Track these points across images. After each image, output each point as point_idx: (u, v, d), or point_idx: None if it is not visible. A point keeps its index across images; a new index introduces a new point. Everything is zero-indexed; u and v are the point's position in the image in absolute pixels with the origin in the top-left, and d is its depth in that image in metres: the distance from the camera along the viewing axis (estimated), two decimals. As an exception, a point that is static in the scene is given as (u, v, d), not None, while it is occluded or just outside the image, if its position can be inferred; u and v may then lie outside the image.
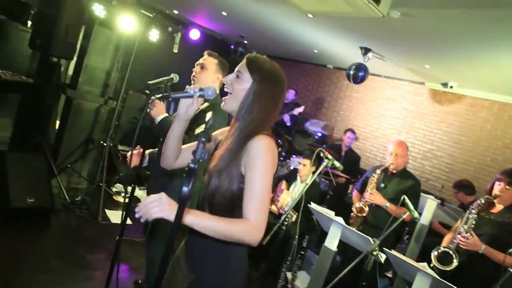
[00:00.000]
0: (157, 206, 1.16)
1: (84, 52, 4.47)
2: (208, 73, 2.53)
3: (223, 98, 1.48)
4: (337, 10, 3.25)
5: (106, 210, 4.17)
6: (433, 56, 4.73)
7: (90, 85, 4.58)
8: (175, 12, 7.73)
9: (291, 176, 4.41)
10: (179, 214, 1.03)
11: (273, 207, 4.15)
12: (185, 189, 0.99)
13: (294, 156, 5.66)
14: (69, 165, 4.43)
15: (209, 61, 2.56)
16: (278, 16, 5.39)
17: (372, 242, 2.54)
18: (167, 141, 1.55)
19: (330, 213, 2.93)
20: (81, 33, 4.29)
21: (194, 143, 1.61)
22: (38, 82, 4.48)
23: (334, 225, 2.91)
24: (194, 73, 2.56)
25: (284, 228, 3.07)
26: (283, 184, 4.39)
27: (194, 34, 7.91)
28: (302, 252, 3.48)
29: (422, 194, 4.29)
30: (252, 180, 1.31)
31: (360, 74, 5.30)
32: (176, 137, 1.53)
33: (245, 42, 7.86)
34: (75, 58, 4.38)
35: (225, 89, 1.48)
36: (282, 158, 6.06)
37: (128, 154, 2.39)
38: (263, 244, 3.31)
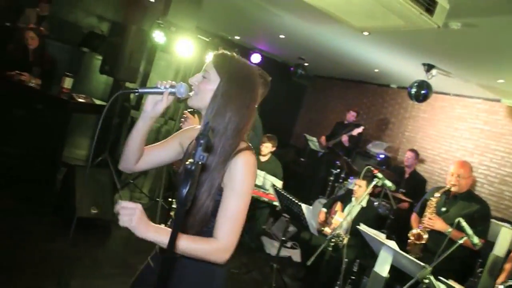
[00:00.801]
0: (127, 215, 1.14)
1: (146, 76, 4.81)
2: None
3: (191, 96, 1.37)
4: (388, 24, 3.14)
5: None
6: (507, 69, 4.32)
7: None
8: (237, 37, 8.05)
9: (346, 198, 4.24)
10: (178, 223, 1.03)
11: (327, 229, 4.00)
12: (183, 191, 0.99)
13: (352, 177, 5.45)
14: (131, 181, 4.71)
15: None
16: (334, 36, 5.35)
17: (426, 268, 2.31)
18: (128, 141, 1.43)
19: (381, 236, 2.74)
20: (144, 58, 4.63)
21: (157, 144, 1.53)
22: (110, 104, 4.91)
23: (384, 249, 2.71)
24: None
25: (330, 249, 2.93)
26: (338, 205, 4.22)
27: (255, 58, 8.17)
28: (353, 277, 3.28)
29: (497, 222, 3.84)
30: (228, 200, 1.26)
31: (422, 92, 5.01)
32: (139, 136, 1.42)
33: (305, 64, 7.89)
34: (138, 81, 4.74)
35: (192, 90, 1.37)
36: (340, 180, 5.87)
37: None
38: (313, 267, 3.19)
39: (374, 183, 2.78)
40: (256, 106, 1.38)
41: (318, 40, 5.86)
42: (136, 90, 1.38)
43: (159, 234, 1.20)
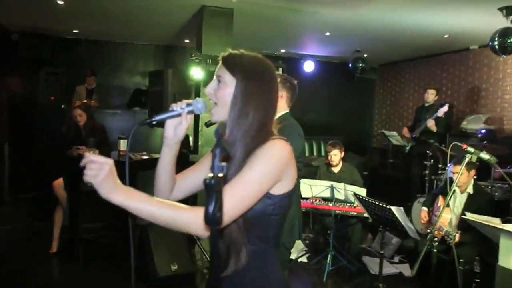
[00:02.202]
0: (94, 170, 1.14)
1: (197, 116, 5.04)
2: None
3: (211, 108, 1.40)
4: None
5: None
6: None
7: (209, 146, 5.09)
8: (282, 51, 8.16)
9: (447, 189, 3.93)
10: (214, 243, 1.03)
11: (435, 233, 3.72)
12: (209, 209, 1.00)
13: (450, 164, 5.06)
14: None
15: None
16: (384, 14, 5.19)
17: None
18: (157, 172, 1.46)
19: (494, 221, 2.48)
20: (189, 99, 4.90)
21: (189, 169, 1.55)
22: (132, 140, 5.22)
23: (504, 236, 2.44)
24: None
25: (435, 250, 2.70)
26: (440, 200, 3.93)
27: (308, 66, 8.18)
28: (477, 280, 2.97)
29: None
30: (243, 176, 1.23)
31: (509, 41, 4.58)
32: (167, 165, 1.45)
33: (364, 56, 7.71)
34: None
35: (210, 100, 1.40)
36: (439, 172, 5.50)
37: None
38: (428, 279, 2.96)
39: (466, 159, 2.55)
40: (276, 97, 1.40)
41: (368, 25, 5.72)
42: (152, 119, 1.41)
43: (127, 198, 1.17)
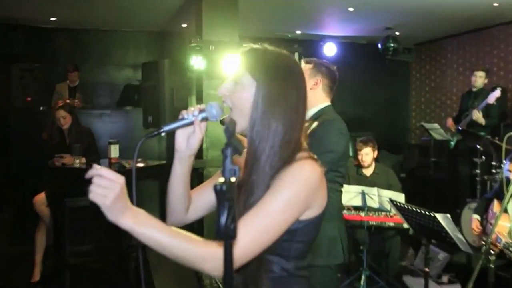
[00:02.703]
0: (103, 189, 1.14)
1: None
2: None
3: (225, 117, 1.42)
4: None
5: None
6: None
7: (216, 148, 5.11)
8: (298, 32, 8.18)
9: (503, 192, 3.90)
10: (228, 261, 1.04)
11: (491, 245, 3.70)
12: (222, 219, 1.01)
13: (507, 160, 5.02)
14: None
15: (303, 68, 2.67)
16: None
17: None
18: (170, 190, 1.50)
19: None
20: (191, 94, 4.92)
21: (205, 184, 1.59)
22: (169, 162, 5.26)
23: None
24: None
25: (492, 266, 2.68)
26: (495, 205, 3.91)
27: (329, 49, 8.19)
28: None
29: None
30: (265, 205, 1.25)
31: None
32: (181, 181, 1.48)
33: (396, 33, 7.69)
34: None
35: (225, 105, 1.42)
36: (493, 171, 5.47)
37: None
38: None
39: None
40: (305, 105, 1.41)
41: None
42: (161, 130, 1.43)
43: (136, 223, 1.19)
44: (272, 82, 1.35)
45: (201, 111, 1.43)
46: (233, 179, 1.03)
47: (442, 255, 4.77)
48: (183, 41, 6.19)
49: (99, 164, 4.87)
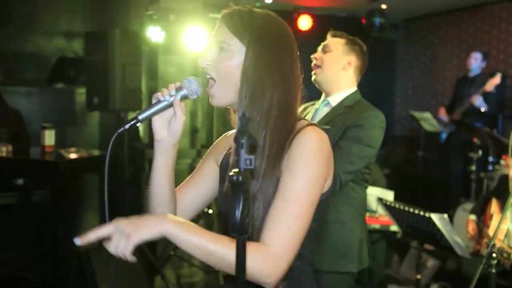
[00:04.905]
0: (121, 239, 1.25)
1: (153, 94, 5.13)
2: (333, 56, 2.72)
3: (209, 88, 1.50)
4: None
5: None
6: None
7: (182, 135, 5.18)
8: (268, 1, 8.27)
9: (502, 190, 4.18)
10: (240, 258, 1.16)
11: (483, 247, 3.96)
12: (236, 214, 1.13)
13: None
14: (172, 253, 4.98)
15: (334, 42, 2.76)
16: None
17: None
18: (152, 191, 1.55)
19: None
20: (144, 71, 4.96)
21: (189, 178, 1.67)
22: (112, 153, 5.28)
23: None
24: (314, 62, 2.77)
25: (494, 270, 2.92)
26: (493, 205, 4.17)
27: (304, 23, 8.32)
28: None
29: None
30: (287, 193, 1.35)
31: None
32: (164, 178, 1.52)
33: (383, 7, 7.78)
34: (145, 106, 5.07)
35: (208, 76, 1.49)
36: (489, 167, 5.74)
37: None
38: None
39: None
40: (298, 69, 1.51)
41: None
42: (136, 119, 1.46)
43: (176, 225, 1.30)
44: (264, 45, 1.43)
45: (178, 89, 1.48)
46: (248, 169, 1.15)
47: (431, 262, 4.99)
48: (133, 7, 6.15)
49: (28, 153, 4.86)
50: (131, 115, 5.06)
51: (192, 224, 1.33)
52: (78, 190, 5.52)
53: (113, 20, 6.48)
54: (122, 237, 1.26)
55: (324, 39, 2.85)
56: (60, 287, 4.53)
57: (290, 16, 8.27)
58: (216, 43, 1.49)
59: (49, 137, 4.81)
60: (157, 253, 5.03)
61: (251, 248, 1.25)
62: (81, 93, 6.10)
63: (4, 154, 4.60)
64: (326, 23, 8.63)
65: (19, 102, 6.13)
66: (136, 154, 5.32)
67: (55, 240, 4.58)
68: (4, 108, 5.11)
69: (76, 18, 7.79)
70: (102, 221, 5.37)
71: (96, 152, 5.28)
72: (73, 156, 4.74)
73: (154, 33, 4.65)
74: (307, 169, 1.36)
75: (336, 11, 8.84)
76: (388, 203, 3.79)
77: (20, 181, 4.97)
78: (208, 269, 5.15)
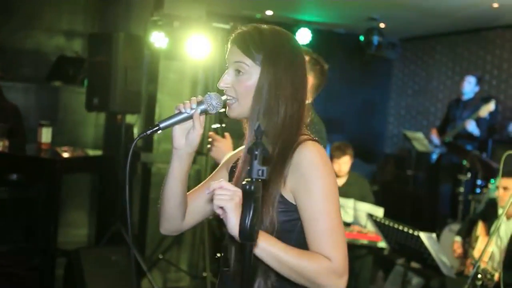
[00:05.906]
0: (227, 195, 1.33)
1: (152, 99, 5.19)
2: None
3: (229, 103, 1.57)
4: None
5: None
6: None
7: (168, 141, 5.23)
8: (269, 13, 8.36)
9: (489, 213, 4.27)
10: (247, 265, 1.24)
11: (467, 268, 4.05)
12: (246, 220, 1.21)
13: (495, 181, 5.44)
14: (161, 256, 5.03)
15: None
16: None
17: None
18: (165, 194, 1.62)
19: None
20: (144, 75, 5.02)
21: (201, 185, 1.75)
22: (107, 154, 5.33)
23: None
24: None
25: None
26: (479, 228, 4.26)
27: (303, 36, 8.40)
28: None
29: None
30: (313, 211, 1.44)
31: None
32: (179, 183, 1.60)
33: (381, 25, 7.89)
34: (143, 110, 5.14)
35: (227, 98, 1.57)
36: (477, 190, 5.84)
37: None
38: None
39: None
40: (306, 83, 1.60)
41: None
42: (158, 127, 1.54)
43: (268, 240, 1.38)
44: (278, 63, 1.51)
45: (199, 103, 1.55)
46: (260, 179, 1.23)
47: (416, 280, 5.05)
48: (138, 11, 6.20)
49: (24, 149, 4.91)
50: (130, 117, 5.14)
51: (272, 237, 1.41)
52: (71, 189, 5.54)
53: (115, 22, 6.51)
54: (229, 198, 1.33)
55: (322, 53, 2.91)
56: (48, 284, 4.55)
57: (290, 28, 8.32)
58: (232, 65, 1.56)
59: (46, 135, 4.83)
60: (145, 256, 5.07)
61: (321, 262, 1.41)
62: (79, 93, 6.12)
63: (0, 149, 4.64)
64: (324, 38, 8.79)
65: (16, 98, 6.13)
66: (131, 157, 5.35)
67: (46, 237, 4.60)
68: (3, 103, 5.13)
69: (77, 18, 7.83)
70: (92, 219, 5.40)
71: (91, 152, 5.32)
72: (68, 154, 4.78)
73: (157, 39, 4.71)
74: (320, 183, 1.45)
75: (334, 26, 8.92)
76: (378, 220, 3.88)
77: (14, 177, 4.98)
78: (195, 274, 5.20)
